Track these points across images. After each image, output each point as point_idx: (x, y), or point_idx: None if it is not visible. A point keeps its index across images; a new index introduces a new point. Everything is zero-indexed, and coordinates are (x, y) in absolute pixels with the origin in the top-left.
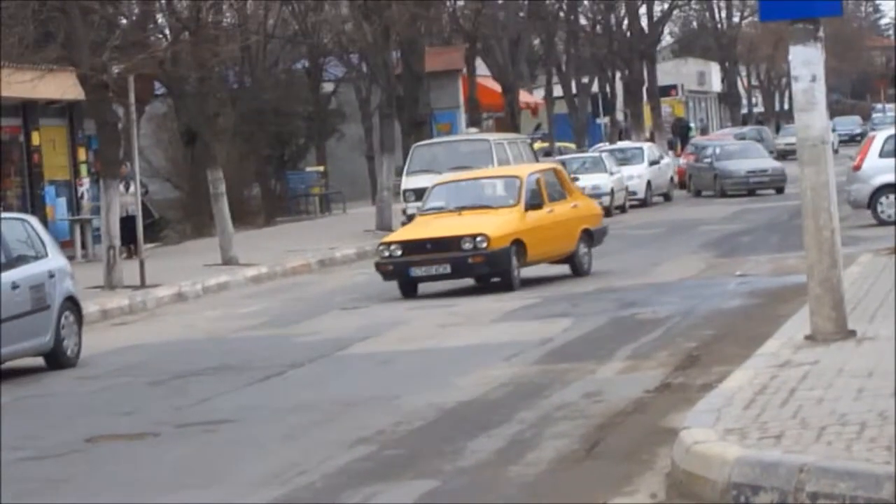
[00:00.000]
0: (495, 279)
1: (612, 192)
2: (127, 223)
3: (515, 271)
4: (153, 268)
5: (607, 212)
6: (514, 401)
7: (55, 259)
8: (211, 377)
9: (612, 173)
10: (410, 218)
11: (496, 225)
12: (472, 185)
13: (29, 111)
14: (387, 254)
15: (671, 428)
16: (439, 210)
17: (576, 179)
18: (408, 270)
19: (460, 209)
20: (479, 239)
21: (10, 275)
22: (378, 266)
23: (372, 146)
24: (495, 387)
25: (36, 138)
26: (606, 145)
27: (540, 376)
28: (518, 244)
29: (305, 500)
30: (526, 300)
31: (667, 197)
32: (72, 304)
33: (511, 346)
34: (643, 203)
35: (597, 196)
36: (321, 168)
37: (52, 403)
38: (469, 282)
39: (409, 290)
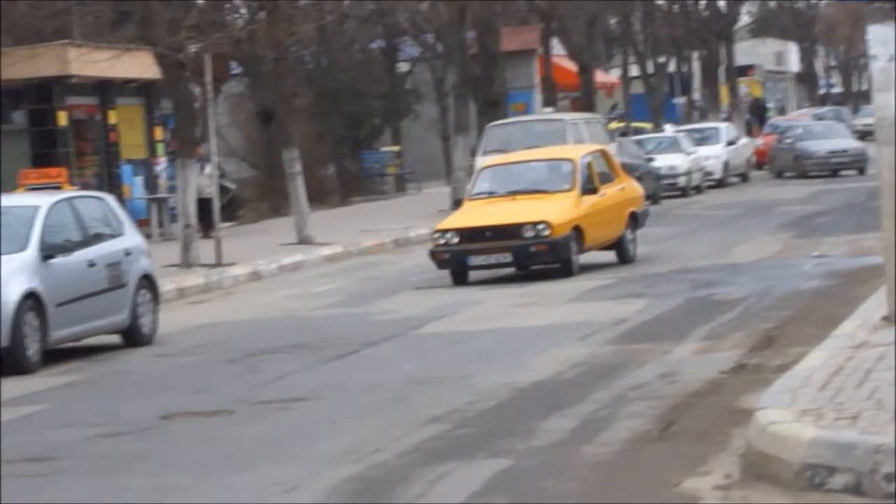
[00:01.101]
0: (553, 266)
1: (688, 173)
2: (203, 202)
3: (575, 259)
4: (229, 247)
5: (683, 192)
6: (588, 381)
7: (131, 237)
8: (286, 355)
9: (688, 154)
10: (458, 203)
11: (557, 211)
12: (524, 168)
13: (106, 90)
14: (442, 241)
15: (746, 409)
16: (490, 195)
17: (651, 160)
18: (465, 259)
19: (513, 194)
20: (541, 226)
21: (87, 253)
22: (433, 254)
23: (447, 126)
24: (569, 367)
25: (113, 117)
26: (669, 128)
27: (614, 356)
28: (577, 230)
29: (379, 478)
30: (600, 280)
31: (744, 177)
32: (148, 282)
33: (585, 326)
34: (720, 184)
35: (673, 177)
36: (396, 148)
37: (129, 381)
38: (511, 269)
39: (461, 277)
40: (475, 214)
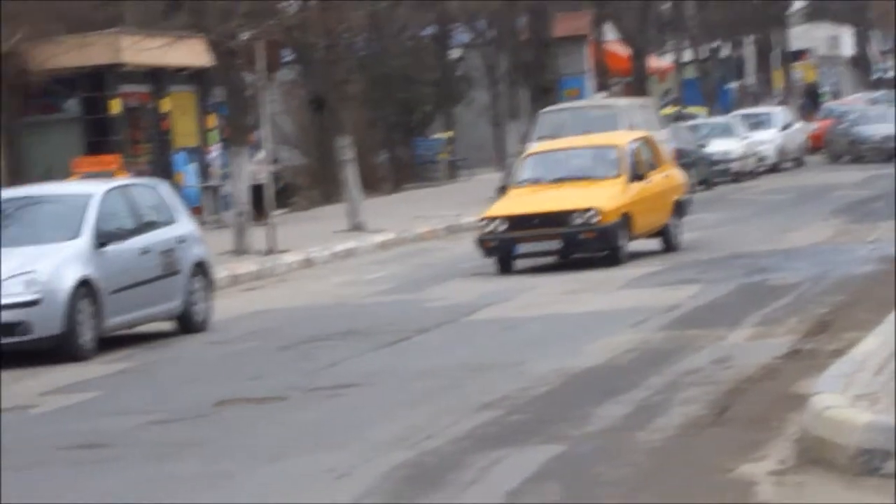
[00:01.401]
0: (601, 254)
1: (742, 158)
2: (256, 189)
3: (624, 246)
4: (282, 234)
5: (737, 177)
6: (642, 367)
7: (185, 225)
8: (339, 342)
9: (742, 139)
10: (503, 190)
11: (606, 198)
12: (569, 155)
13: (158, 78)
14: (490, 228)
15: (801, 394)
16: (536, 182)
17: (705, 145)
18: (514, 246)
19: (559, 181)
20: (590, 213)
21: (141, 240)
22: (481, 241)
23: (499, 113)
24: (622, 353)
25: (165, 105)
26: (698, 117)
27: (667, 342)
28: (626, 218)
29: (432, 464)
30: (650, 267)
31: (798, 162)
32: (201, 269)
33: (638, 312)
34: (774, 168)
35: (726, 162)
36: (448, 134)
37: (182, 368)
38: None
39: (507, 265)
40: (522, 201)
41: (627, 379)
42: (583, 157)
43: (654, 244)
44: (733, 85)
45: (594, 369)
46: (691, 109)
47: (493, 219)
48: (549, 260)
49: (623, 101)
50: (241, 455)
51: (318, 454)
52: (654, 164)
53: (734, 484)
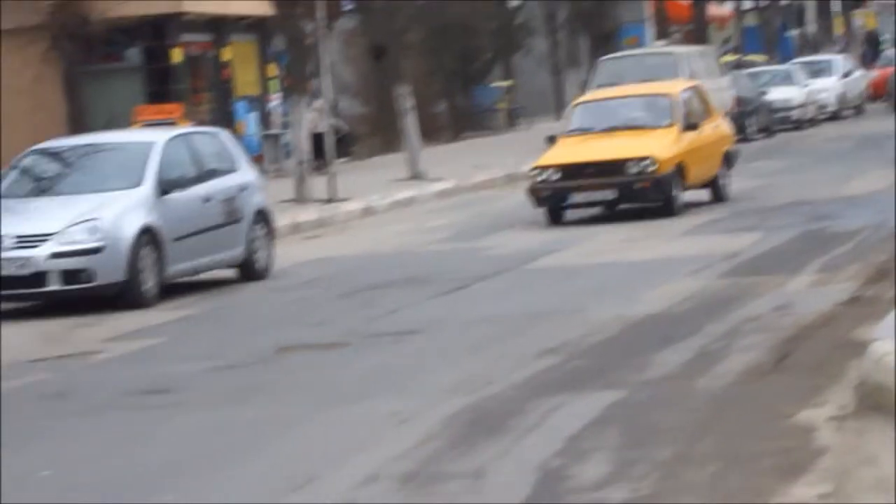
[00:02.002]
0: (656, 205)
1: (802, 106)
2: (316, 138)
3: (678, 197)
4: (342, 182)
5: (798, 125)
6: (701, 314)
7: (246, 173)
8: (399, 289)
9: (802, 86)
10: (552, 139)
11: (661, 147)
12: (620, 103)
13: (219, 27)
14: (542, 178)
15: (861, 341)
16: (586, 131)
17: (765, 92)
18: (567, 196)
19: (611, 130)
20: (646, 162)
21: (203, 188)
22: (532, 191)
23: (558, 61)
24: (682, 300)
25: (226, 54)
26: (758, 64)
27: (728, 289)
28: (680, 167)
29: (493, 409)
30: (712, 215)
31: (858, 110)
32: (263, 217)
33: (698, 259)
34: (834, 116)
35: (787, 109)
36: (507, 83)
37: (244, 314)
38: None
39: (557, 216)
40: (574, 151)
41: (687, 326)
42: (634, 106)
43: (704, 195)
44: (793, 32)
45: (654, 316)
46: (751, 57)
47: (544, 168)
48: (596, 211)
49: (683, 49)
50: (304, 400)
51: (380, 399)
52: (705, 115)
53: (794, 430)
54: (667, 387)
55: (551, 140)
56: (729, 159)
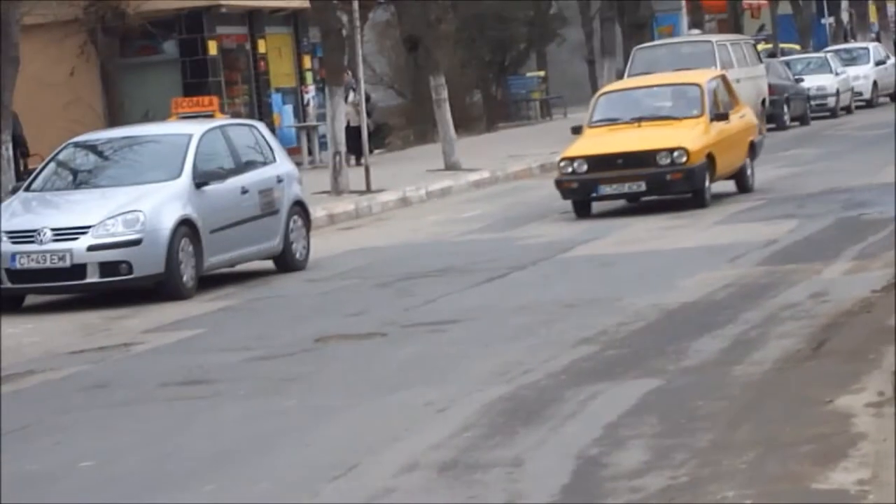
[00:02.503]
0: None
1: (837, 93)
2: (351, 130)
3: (708, 188)
4: (378, 173)
5: (833, 113)
6: (739, 301)
7: (283, 164)
8: (436, 279)
9: (837, 74)
10: (577, 130)
11: (691, 138)
12: (646, 93)
13: (255, 19)
14: (570, 169)
15: None
16: (612, 122)
17: (800, 80)
18: (595, 187)
19: (638, 120)
20: (677, 153)
21: (240, 180)
22: (560, 183)
23: (593, 50)
24: (719, 287)
25: (262, 46)
26: (793, 52)
27: (765, 277)
28: (710, 158)
29: (530, 398)
30: (748, 203)
31: (893, 97)
32: (300, 208)
33: (735, 247)
34: (869, 104)
35: (822, 97)
36: (541, 73)
37: (282, 305)
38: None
39: (584, 209)
40: (601, 142)
41: (725, 313)
42: (661, 97)
43: (730, 186)
44: (828, 20)
45: (691, 304)
46: (786, 45)
47: (572, 159)
48: (621, 203)
49: (718, 37)
50: (342, 390)
51: (417, 388)
52: (731, 104)
53: (832, 416)
54: (705, 374)
55: (577, 131)
56: (754, 150)
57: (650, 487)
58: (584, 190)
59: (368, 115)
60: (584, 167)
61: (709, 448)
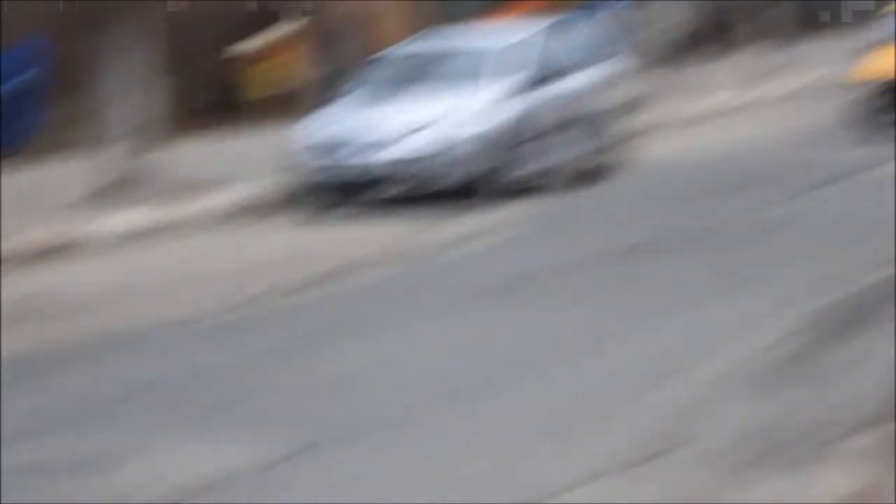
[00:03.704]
0: None
1: None
2: None
3: None
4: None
5: None
6: None
7: (615, 64)
8: (746, 191)
9: None
10: (864, 50)
11: None
12: None
13: None
14: (864, 93)
15: None
16: None
17: None
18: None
19: None
20: None
21: (554, 88)
22: (855, 106)
23: None
24: None
25: None
26: None
27: None
28: None
29: (852, 309)
30: None
31: None
32: (624, 112)
33: None
34: None
35: None
36: None
37: (588, 215)
38: None
39: (879, 133)
40: None
41: None
42: None
43: None
44: None
45: None
46: None
47: (866, 83)
48: None
49: None
50: (652, 301)
51: (730, 300)
52: None
53: None
54: None
55: (863, 51)
56: None
57: None
58: (882, 115)
59: None
60: (882, 90)
61: None
